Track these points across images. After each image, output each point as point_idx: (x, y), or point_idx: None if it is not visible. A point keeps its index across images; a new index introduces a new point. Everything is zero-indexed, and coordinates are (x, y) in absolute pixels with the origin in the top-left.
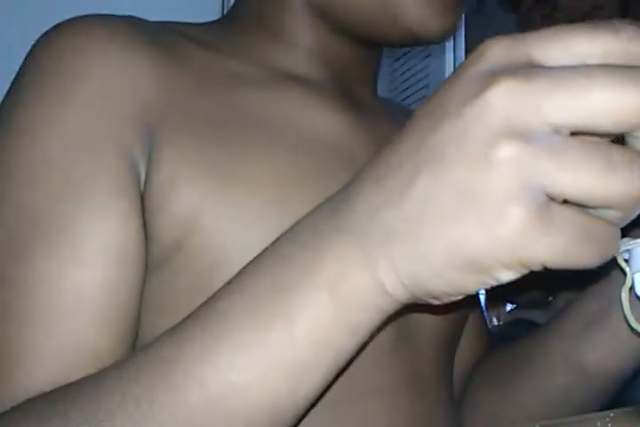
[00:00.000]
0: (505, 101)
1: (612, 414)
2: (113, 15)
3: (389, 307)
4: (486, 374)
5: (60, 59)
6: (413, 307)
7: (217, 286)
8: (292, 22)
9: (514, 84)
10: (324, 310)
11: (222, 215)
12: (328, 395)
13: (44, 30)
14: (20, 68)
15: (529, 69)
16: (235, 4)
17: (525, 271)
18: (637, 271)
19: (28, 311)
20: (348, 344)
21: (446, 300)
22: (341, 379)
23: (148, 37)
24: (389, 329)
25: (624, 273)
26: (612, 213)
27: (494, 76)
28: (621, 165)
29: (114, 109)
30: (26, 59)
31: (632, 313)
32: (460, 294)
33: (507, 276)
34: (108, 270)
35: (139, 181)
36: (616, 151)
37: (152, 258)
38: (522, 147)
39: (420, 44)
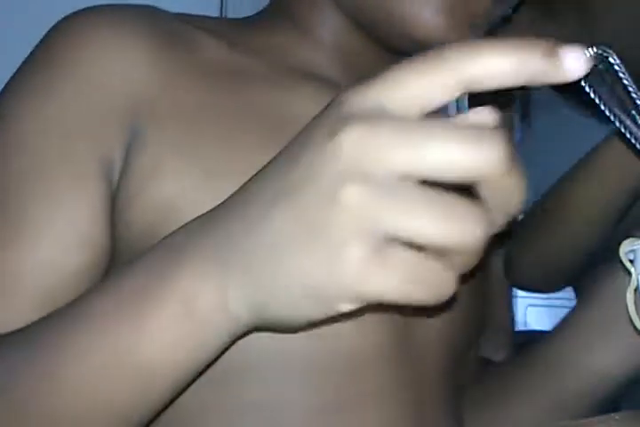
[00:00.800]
0: (353, 146)
1: (617, 418)
2: (126, 5)
3: (236, 329)
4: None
5: (51, 50)
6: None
7: None
8: (318, 19)
9: (362, 130)
10: (174, 321)
11: (203, 206)
12: (324, 398)
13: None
14: (26, 58)
15: (378, 118)
16: (269, 3)
17: (366, 304)
18: None
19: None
20: (194, 358)
21: (295, 326)
22: (339, 383)
23: (155, 27)
24: (389, 334)
25: (629, 273)
26: (451, 258)
27: (347, 119)
28: (459, 215)
29: (94, 100)
30: (35, 47)
31: (637, 314)
32: (304, 322)
33: (347, 307)
34: (67, 257)
35: (111, 169)
36: (457, 201)
37: (123, 243)
38: (364, 190)
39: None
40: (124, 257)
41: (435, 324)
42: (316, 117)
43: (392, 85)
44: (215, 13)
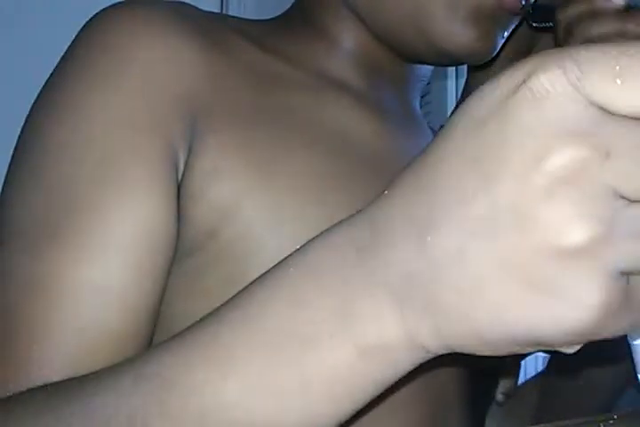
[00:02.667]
0: (579, 180)
1: (615, 416)
2: (160, 1)
3: (421, 360)
4: None
5: (106, 43)
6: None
7: (248, 278)
8: (337, 25)
9: (591, 157)
10: (347, 365)
11: (260, 210)
12: None
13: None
14: (68, 50)
15: (606, 137)
16: (292, 5)
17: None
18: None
19: (54, 294)
20: (366, 396)
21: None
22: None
23: (197, 25)
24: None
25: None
26: None
27: (565, 141)
28: None
29: (157, 96)
30: (74, 41)
31: None
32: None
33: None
34: (135, 257)
35: (177, 168)
36: None
37: (185, 244)
38: (595, 227)
39: (450, 62)
40: (185, 258)
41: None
42: (486, 129)
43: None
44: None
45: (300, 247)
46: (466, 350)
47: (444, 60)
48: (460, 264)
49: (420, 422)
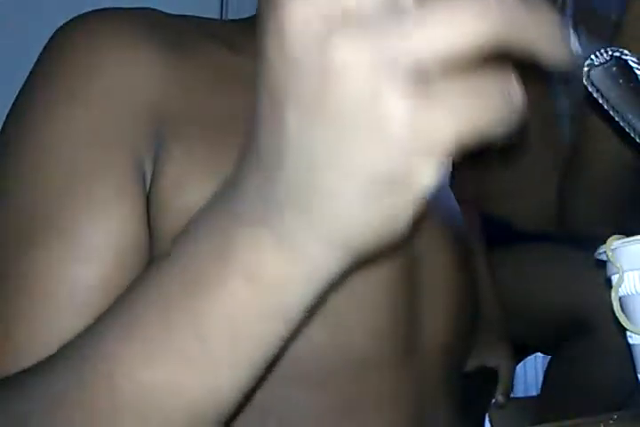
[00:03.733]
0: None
1: (615, 416)
2: (129, 9)
3: (320, 273)
4: None
5: (70, 56)
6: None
7: None
8: None
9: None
10: (241, 299)
11: None
12: (328, 404)
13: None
14: (35, 66)
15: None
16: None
17: (446, 157)
18: (627, 270)
19: (24, 307)
20: (275, 330)
21: (382, 234)
22: (345, 387)
23: (163, 33)
24: (396, 343)
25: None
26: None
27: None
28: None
29: (122, 108)
30: (40, 56)
31: (622, 312)
32: (396, 226)
33: (429, 173)
34: (106, 269)
35: (144, 180)
36: None
37: (156, 254)
38: (351, 41)
39: None
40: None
41: (440, 334)
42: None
43: None
44: (215, 13)
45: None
46: (358, 240)
47: None
48: (279, 152)
49: (406, 422)
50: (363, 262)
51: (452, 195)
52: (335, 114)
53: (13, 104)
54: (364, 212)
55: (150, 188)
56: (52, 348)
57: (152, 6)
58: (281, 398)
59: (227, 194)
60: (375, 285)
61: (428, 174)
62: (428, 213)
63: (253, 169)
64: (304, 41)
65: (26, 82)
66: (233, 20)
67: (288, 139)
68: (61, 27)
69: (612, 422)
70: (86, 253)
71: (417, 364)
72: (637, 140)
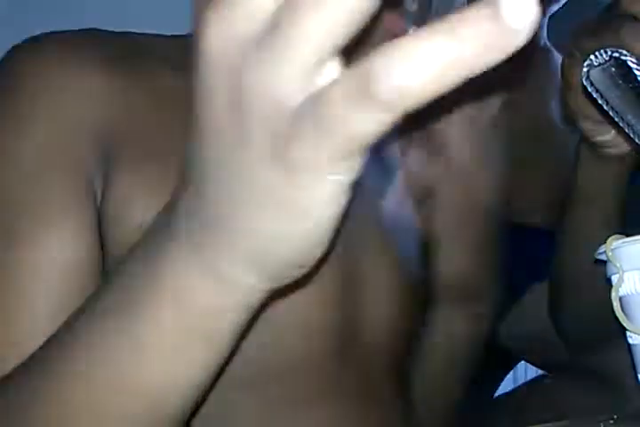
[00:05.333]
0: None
1: (615, 416)
2: (69, 32)
3: (251, 299)
4: None
5: (13, 82)
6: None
7: None
8: None
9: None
10: (169, 325)
11: None
12: (278, 396)
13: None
14: None
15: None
16: None
17: (359, 156)
18: (627, 270)
19: None
20: (208, 353)
21: (305, 256)
22: (291, 384)
23: (104, 55)
24: (332, 341)
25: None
26: None
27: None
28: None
29: (68, 132)
30: None
31: (622, 312)
32: (310, 243)
33: (349, 169)
34: (62, 283)
35: (95, 198)
36: None
37: (109, 269)
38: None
39: None
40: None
41: (384, 330)
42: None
43: None
44: None
45: None
46: (275, 265)
47: None
48: (203, 180)
49: (350, 419)
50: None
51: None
52: (245, 138)
53: None
54: (281, 229)
55: (100, 205)
56: (21, 351)
57: (148, 9)
58: (221, 400)
59: (165, 216)
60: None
61: (345, 178)
62: (357, 217)
63: (184, 190)
64: (219, 66)
65: None
66: (177, 36)
67: (206, 159)
68: (8, 52)
69: (612, 422)
70: (43, 271)
71: (358, 362)
72: (637, 140)
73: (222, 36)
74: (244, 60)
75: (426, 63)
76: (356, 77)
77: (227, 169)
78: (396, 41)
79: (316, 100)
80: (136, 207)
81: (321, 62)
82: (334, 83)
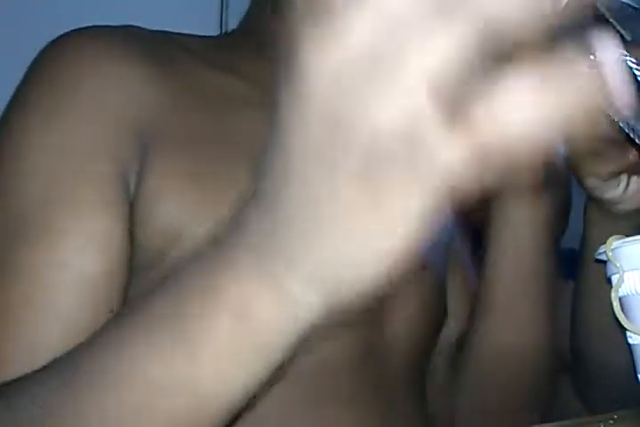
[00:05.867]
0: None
1: (615, 416)
2: (111, 26)
3: (307, 319)
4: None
5: (54, 72)
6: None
7: None
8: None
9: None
10: (227, 335)
11: (204, 229)
12: (303, 396)
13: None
14: (23, 80)
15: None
16: (240, 23)
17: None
18: (627, 270)
19: (7, 313)
20: (262, 367)
21: (367, 282)
22: (316, 385)
23: (144, 50)
24: (357, 343)
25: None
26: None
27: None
28: None
29: (107, 122)
30: (28, 71)
31: (622, 312)
32: (377, 271)
33: (432, 202)
34: (91, 274)
35: (128, 190)
36: None
37: (136, 265)
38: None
39: None
40: (135, 278)
41: (403, 335)
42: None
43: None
44: (214, 26)
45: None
46: (335, 287)
47: None
48: (279, 197)
49: (370, 419)
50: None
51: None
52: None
53: (3, 116)
54: (353, 256)
55: (133, 200)
56: (34, 353)
57: (154, 10)
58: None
59: (230, 229)
60: None
61: (429, 203)
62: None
63: (254, 205)
64: (318, 91)
65: (12, 98)
66: (208, 37)
67: (290, 177)
68: (49, 44)
69: (612, 421)
70: (72, 257)
71: (379, 364)
72: (637, 141)
73: (323, 65)
74: (345, 87)
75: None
76: (456, 115)
77: (312, 188)
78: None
79: (415, 129)
80: (168, 203)
81: (423, 93)
82: (435, 115)
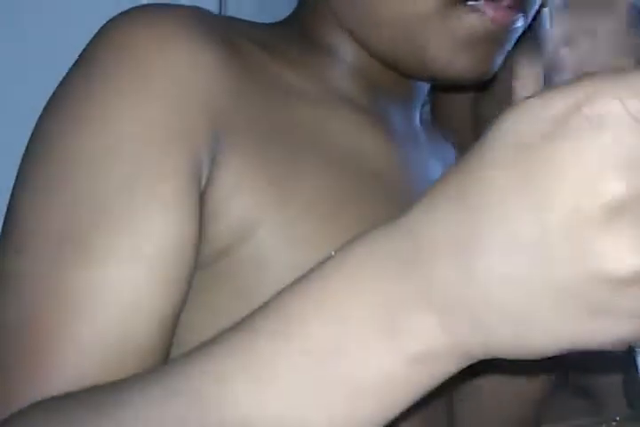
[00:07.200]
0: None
1: (617, 418)
2: (174, 5)
3: (465, 365)
4: None
5: (133, 48)
6: None
7: (257, 294)
8: (333, 41)
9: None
10: (394, 376)
11: (276, 228)
12: None
13: None
14: (86, 55)
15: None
16: (292, 13)
17: None
18: None
19: (80, 306)
20: (409, 403)
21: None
22: None
23: (218, 35)
24: None
25: None
26: None
27: (621, 172)
28: None
29: (185, 105)
30: (93, 43)
31: None
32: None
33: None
34: (164, 270)
35: (200, 182)
36: None
37: (200, 259)
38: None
39: (450, 83)
40: (196, 271)
41: None
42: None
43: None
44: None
45: (329, 258)
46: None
47: (442, 82)
48: (507, 288)
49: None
50: None
51: None
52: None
53: (56, 98)
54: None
55: (203, 192)
56: (110, 349)
57: (197, 7)
58: None
59: (403, 265)
60: None
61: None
62: None
63: (456, 261)
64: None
65: (73, 74)
66: (265, 24)
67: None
68: (113, 21)
69: (614, 423)
70: (146, 255)
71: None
72: None
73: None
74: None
75: None
76: None
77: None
78: None
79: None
80: (244, 200)
81: None
82: None
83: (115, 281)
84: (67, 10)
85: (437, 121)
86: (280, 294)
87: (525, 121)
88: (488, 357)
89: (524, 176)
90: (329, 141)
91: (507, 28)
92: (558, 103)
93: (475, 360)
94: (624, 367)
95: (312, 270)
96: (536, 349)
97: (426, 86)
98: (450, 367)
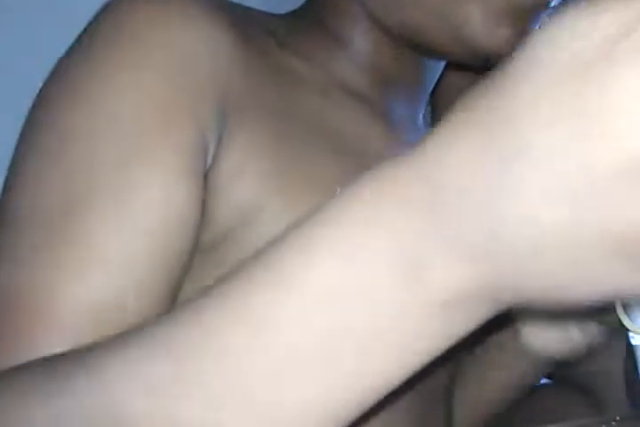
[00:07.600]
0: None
1: (617, 418)
2: None
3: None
4: None
5: (137, 23)
6: None
7: None
8: (348, 26)
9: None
10: (418, 320)
11: (280, 210)
12: None
13: None
14: (91, 28)
15: None
16: (304, 4)
17: None
18: None
19: (70, 271)
20: (432, 352)
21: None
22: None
23: (229, 17)
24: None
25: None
26: None
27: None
28: None
29: (192, 83)
30: (98, 18)
31: (624, 312)
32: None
33: None
34: (161, 240)
35: (205, 160)
36: None
37: (201, 241)
38: None
39: (482, 61)
40: (199, 253)
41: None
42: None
43: None
44: None
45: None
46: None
47: (477, 59)
48: (552, 235)
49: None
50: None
51: None
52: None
53: (58, 70)
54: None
55: (208, 170)
56: (99, 308)
57: None
58: None
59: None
60: None
61: None
62: None
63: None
64: None
65: (76, 47)
66: (276, 15)
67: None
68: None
69: (614, 423)
70: (144, 225)
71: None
72: None
73: None
74: None
75: None
76: None
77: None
78: None
79: None
80: (246, 178)
81: None
82: None
83: (112, 246)
84: None
85: (440, 116)
86: (287, 233)
87: (569, 37)
88: (517, 303)
89: (575, 96)
90: (334, 130)
91: (544, 7)
92: (610, 23)
93: (502, 307)
94: (625, 366)
95: (303, 220)
96: (572, 298)
97: (432, 81)
98: (475, 316)
